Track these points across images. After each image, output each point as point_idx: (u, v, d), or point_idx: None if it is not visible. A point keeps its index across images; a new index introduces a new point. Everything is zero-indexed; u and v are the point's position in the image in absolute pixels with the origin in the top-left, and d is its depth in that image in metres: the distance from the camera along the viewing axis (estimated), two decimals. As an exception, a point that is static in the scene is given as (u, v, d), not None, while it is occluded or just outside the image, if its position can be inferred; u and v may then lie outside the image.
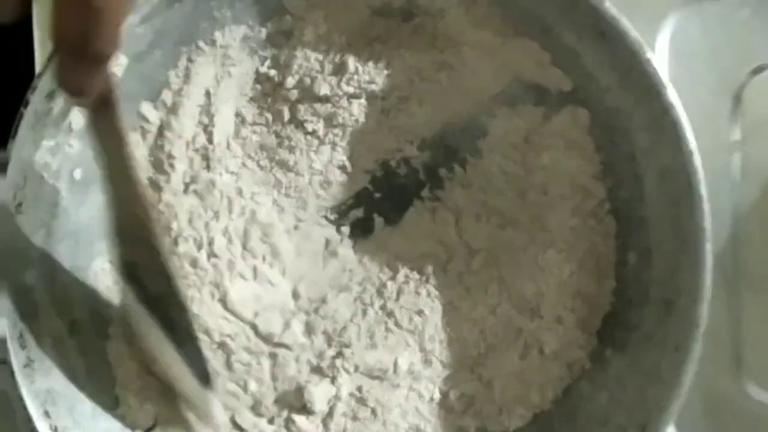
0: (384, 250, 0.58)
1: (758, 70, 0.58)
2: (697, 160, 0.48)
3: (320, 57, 0.57)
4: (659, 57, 0.57)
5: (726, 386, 0.58)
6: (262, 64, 0.57)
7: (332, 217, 0.58)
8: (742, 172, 0.58)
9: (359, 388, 0.56)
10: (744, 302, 0.58)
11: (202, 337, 0.54)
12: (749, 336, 0.58)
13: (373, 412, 0.55)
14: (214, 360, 0.55)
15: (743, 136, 0.58)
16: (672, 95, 0.48)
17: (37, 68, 0.56)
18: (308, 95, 0.57)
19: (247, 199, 0.57)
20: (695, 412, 0.57)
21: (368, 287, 0.57)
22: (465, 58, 0.56)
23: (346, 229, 0.58)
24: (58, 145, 0.51)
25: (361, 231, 0.59)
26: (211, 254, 0.56)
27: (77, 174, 0.53)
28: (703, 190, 0.48)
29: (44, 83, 0.49)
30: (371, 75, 0.56)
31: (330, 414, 0.55)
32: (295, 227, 0.58)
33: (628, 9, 0.49)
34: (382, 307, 0.56)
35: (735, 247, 0.58)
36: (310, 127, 0.57)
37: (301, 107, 0.57)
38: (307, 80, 0.56)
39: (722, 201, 0.57)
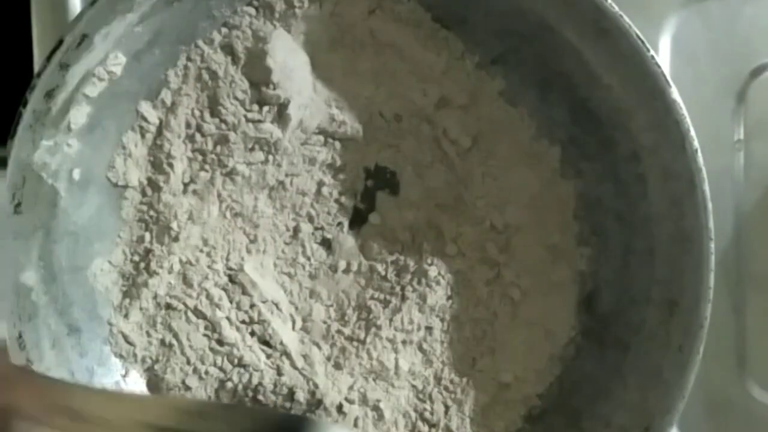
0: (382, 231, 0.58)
1: (761, 70, 0.57)
2: (701, 158, 0.48)
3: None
4: (661, 57, 0.57)
5: (729, 388, 0.58)
6: (262, 63, 0.57)
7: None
8: (745, 172, 0.58)
9: (360, 388, 0.55)
10: (747, 303, 0.58)
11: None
12: (752, 337, 0.58)
13: (374, 410, 0.55)
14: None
15: (746, 136, 0.58)
16: (675, 94, 0.48)
17: (36, 68, 0.56)
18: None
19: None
20: (698, 414, 0.56)
21: (369, 290, 0.57)
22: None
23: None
24: (57, 145, 0.51)
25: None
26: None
27: (76, 174, 0.53)
28: (707, 188, 0.48)
29: (43, 82, 0.49)
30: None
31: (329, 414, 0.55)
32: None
33: (629, 9, 0.49)
34: (384, 310, 0.56)
35: (738, 248, 0.58)
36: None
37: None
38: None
39: (725, 201, 0.57)
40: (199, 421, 0.47)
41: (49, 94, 0.49)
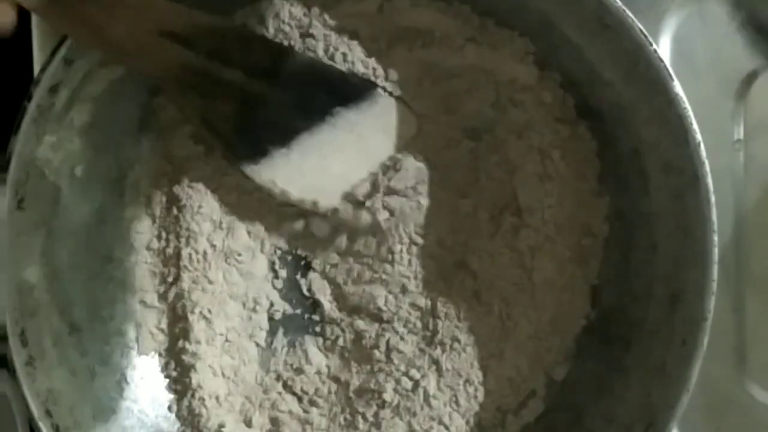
0: None
1: (761, 69, 0.58)
2: (703, 152, 0.48)
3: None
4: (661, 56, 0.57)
5: (729, 388, 0.58)
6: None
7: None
8: (745, 171, 0.58)
9: None
10: (747, 302, 0.58)
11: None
12: (752, 336, 0.58)
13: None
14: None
15: (746, 136, 0.58)
16: (678, 88, 0.48)
17: (36, 68, 0.56)
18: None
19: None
20: (698, 414, 0.56)
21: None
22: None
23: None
24: (60, 141, 0.51)
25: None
26: None
27: (78, 171, 0.53)
28: (710, 181, 0.48)
29: (47, 77, 0.49)
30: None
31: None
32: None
33: (629, 9, 0.49)
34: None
35: (738, 247, 0.58)
36: None
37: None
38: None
39: (725, 201, 0.57)
40: (213, 38, 0.47)
41: (54, 89, 0.49)
